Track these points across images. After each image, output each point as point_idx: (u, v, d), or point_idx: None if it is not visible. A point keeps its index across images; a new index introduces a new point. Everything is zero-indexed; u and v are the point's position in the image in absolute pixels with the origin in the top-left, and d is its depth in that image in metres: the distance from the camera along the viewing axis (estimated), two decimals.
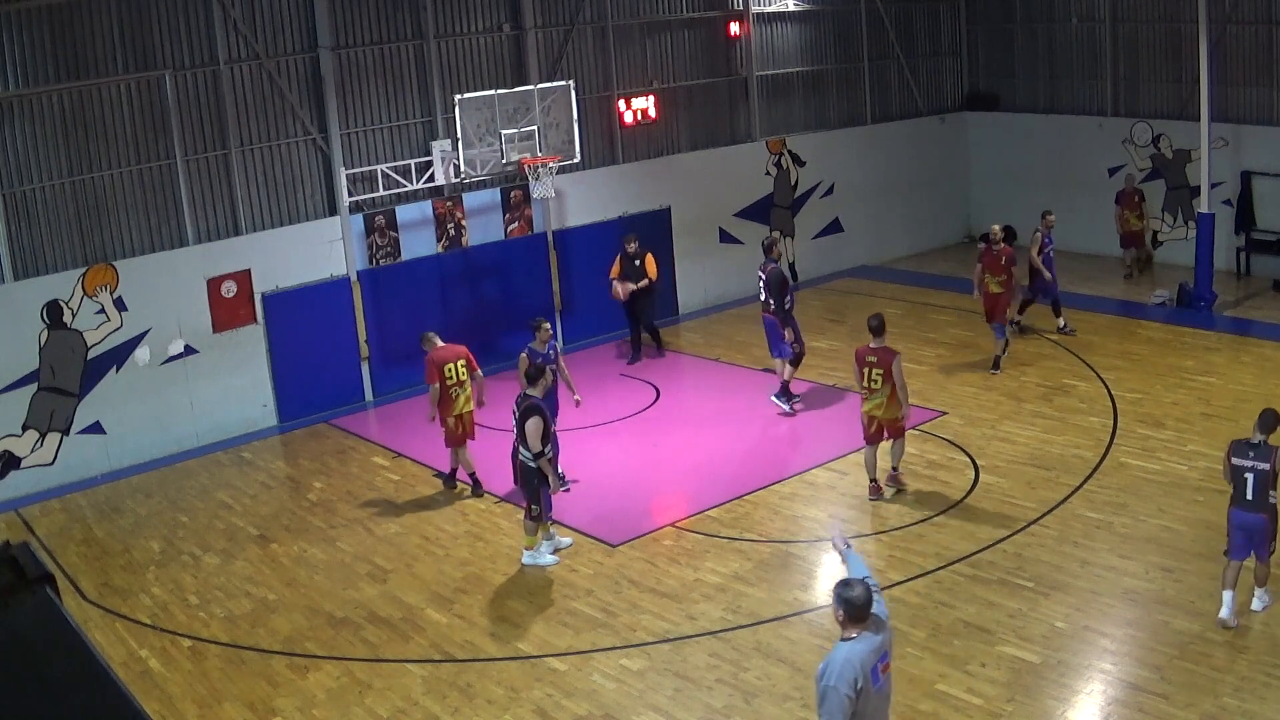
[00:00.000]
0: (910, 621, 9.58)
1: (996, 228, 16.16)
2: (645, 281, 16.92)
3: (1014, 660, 8.91)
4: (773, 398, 14.92)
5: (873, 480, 12.10)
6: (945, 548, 10.86)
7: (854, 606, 5.86)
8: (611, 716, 8.68)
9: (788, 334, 14.53)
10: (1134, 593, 9.79)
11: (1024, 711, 8.27)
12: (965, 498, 11.96)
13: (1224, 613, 9.04)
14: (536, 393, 10.97)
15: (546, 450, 10.90)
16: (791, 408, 14.77)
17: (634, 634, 9.83)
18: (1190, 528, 10.83)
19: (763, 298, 14.61)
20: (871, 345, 11.91)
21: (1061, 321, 17.06)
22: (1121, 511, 11.30)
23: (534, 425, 10.73)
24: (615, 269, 17.08)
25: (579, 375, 17.24)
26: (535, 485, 10.95)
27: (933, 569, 10.46)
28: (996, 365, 15.73)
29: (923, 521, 11.48)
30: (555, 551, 11.39)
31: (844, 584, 5.96)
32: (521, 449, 10.90)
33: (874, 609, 5.96)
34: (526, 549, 11.26)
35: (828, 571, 10.94)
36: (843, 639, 5.90)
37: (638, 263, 16.80)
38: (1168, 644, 8.93)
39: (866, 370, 11.86)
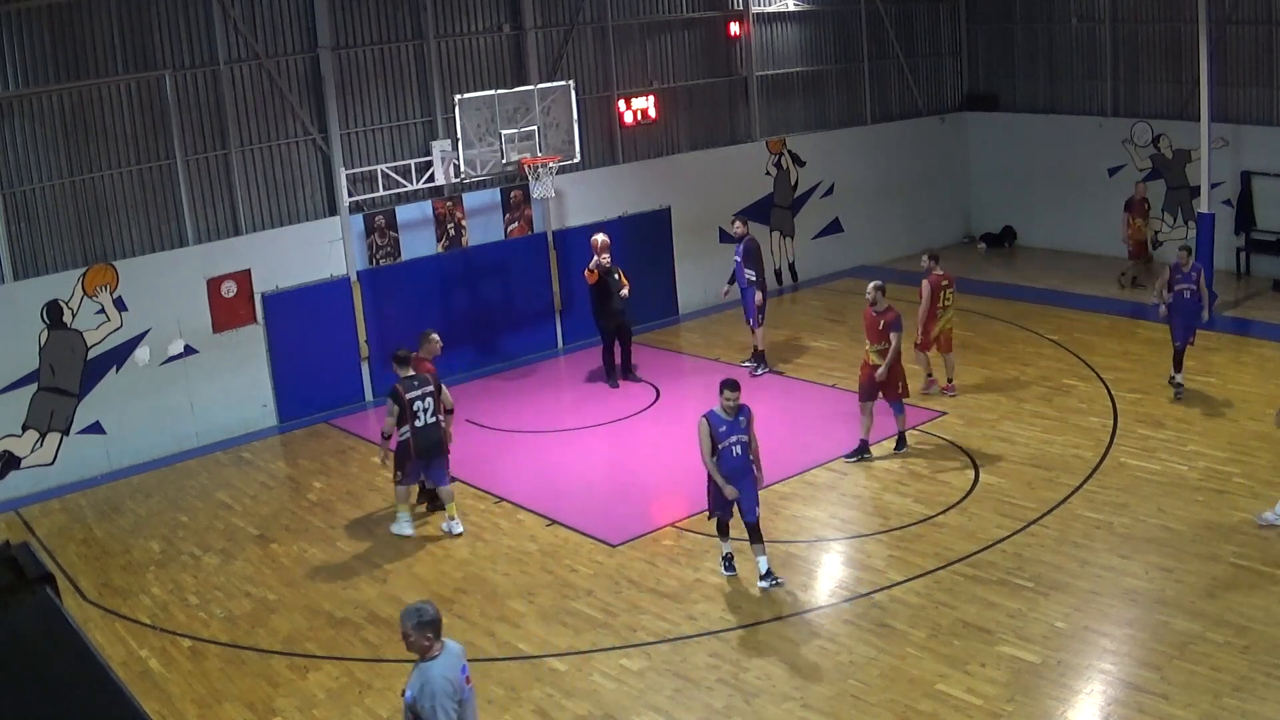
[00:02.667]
0: (910, 621, 9.59)
1: (871, 285, 13.28)
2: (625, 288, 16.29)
3: (1014, 660, 8.91)
4: (757, 366, 16.58)
5: (930, 376, 15.02)
6: (945, 548, 10.87)
7: (438, 625, 6.23)
8: (611, 716, 8.68)
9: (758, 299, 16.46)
10: (1134, 593, 9.79)
11: (1024, 711, 8.27)
12: (965, 498, 11.96)
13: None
14: (410, 370, 11.83)
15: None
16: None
17: (634, 634, 9.83)
18: (1190, 528, 10.84)
19: (751, 274, 16.44)
20: (938, 271, 14.70)
21: (1178, 380, 14.27)
22: (1121, 511, 11.31)
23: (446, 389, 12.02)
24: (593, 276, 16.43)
25: (579, 376, 17.32)
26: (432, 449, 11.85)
27: (933, 569, 10.46)
28: (900, 443, 13.19)
29: (923, 521, 11.48)
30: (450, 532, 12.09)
31: (415, 610, 6.26)
32: (441, 419, 11.78)
33: None
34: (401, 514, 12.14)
35: (828, 571, 10.96)
36: (428, 659, 6.23)
37: (615, 275, 16.28)
38: (1168, 644, 8.93)
39: (944, 291, 14.67)
